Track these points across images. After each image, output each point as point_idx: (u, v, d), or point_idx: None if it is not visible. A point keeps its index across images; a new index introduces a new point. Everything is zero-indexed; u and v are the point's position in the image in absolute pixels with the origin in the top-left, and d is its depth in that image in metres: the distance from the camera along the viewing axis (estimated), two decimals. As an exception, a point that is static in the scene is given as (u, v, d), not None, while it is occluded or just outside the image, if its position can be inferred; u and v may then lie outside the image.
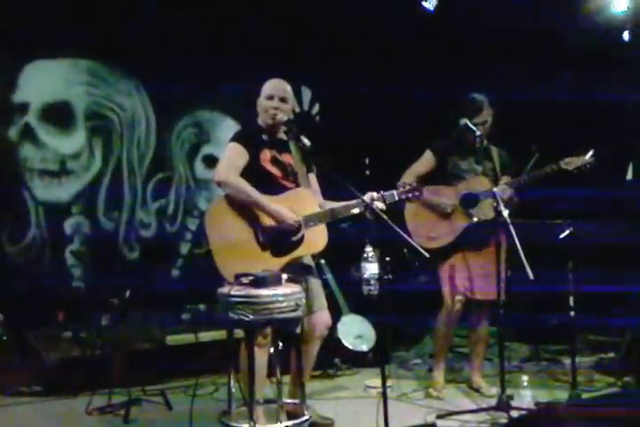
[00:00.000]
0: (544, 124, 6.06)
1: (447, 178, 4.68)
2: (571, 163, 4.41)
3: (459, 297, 4.59)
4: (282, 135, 4.03)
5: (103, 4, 5.66)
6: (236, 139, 3.88)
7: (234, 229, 3.73)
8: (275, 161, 3.91)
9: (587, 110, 5.97)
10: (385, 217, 3.63)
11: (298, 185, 3.95)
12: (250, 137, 3.92)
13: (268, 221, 3.78)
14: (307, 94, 7.12)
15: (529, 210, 4.51)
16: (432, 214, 4.62)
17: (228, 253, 3.65)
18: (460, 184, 4.62)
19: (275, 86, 3.96)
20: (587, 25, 5.96)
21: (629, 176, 6.22)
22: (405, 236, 3.76)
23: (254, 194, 3.74)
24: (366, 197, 3.81)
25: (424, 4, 5.52)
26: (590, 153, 4.43)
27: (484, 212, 4.48)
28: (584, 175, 4.44)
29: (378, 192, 3.89)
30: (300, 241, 3.81)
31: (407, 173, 4.66)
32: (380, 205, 3.77)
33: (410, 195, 3.98)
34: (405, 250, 5.59)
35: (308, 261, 4.05)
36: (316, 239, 3.85)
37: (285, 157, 3.97)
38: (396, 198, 3.95)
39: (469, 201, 4.51)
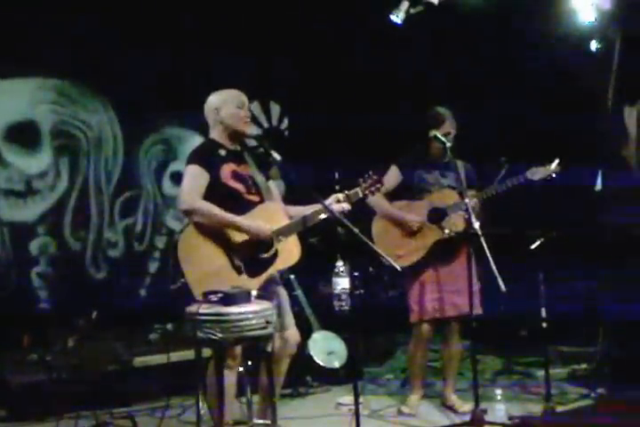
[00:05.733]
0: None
1: (413, 192, 4.64)
2: (537, 173, 4.39)
3: (427, 319, 4.53)
4: (236, 146, 3.98)
5: (71, 23, 5.61)
6: (193, 160, 3.79)
7: (207, 257, 3.65)
8: (236, 176, 3.85)
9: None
10: (356, 230, 3.66)
11: (262, 197, 3.89)
12: (207, 155, 3.84)
13: (239, 240, 3.72)
14: (275, 109, 7.10)
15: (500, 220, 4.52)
16: (399, 231, 4.56)
17: (206, 284, 3.52)
18: (427, 198, 4.57)
19: (239, 96, 3.92)
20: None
21: (599, 187, 6.16)
22: (376, 248, 3.75)
23: (225, 215, 3.67)
24: (331, 199, 3.85)
25: (392, 17, 5.51)
26: (555, 162, 4.41)
27: (455, 224, 4.45)
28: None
29: (342, 193, 3.90)
30: (275, 256, 3.76)
31: None
32: (345, 206, 3.84)
33: (372, 188, 3.97)
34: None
35: (277, 277, 3.99)
36: (290, 251, 3.81)
37: (244, 169, 3.92)
38: (361, 195, 3.95)
39: (437, 216, 4.49)
